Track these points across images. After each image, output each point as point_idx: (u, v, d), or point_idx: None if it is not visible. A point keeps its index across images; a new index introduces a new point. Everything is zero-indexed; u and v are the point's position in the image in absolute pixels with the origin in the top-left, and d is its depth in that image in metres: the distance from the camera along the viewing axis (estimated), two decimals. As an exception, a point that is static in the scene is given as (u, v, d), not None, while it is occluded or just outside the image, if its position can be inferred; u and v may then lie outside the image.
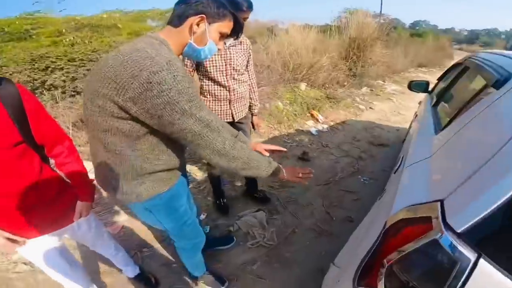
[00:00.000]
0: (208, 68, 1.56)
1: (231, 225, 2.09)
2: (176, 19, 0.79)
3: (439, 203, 0.65)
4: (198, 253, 1.37)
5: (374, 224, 0.95)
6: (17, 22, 4.59)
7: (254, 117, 2.01)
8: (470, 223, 0.56)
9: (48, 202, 0.93)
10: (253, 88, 1.88)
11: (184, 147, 0.94)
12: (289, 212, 2.24)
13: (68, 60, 3.63)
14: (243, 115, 1.83)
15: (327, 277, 1.25)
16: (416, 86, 2.60)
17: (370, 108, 5.05)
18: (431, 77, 6.89)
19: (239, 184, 2.56)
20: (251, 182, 2.31)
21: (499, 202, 0.54)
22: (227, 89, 1.63)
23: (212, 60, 1.54)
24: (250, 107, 1.93)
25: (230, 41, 1.55)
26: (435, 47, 13.05)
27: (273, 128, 3.79)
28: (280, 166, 0.97)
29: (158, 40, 0.76)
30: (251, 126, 2.05)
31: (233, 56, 1.58)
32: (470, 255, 0.56)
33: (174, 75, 0.67)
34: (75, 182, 1.01)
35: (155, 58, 0.67)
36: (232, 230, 2.04)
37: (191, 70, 1.60)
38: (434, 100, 1.96)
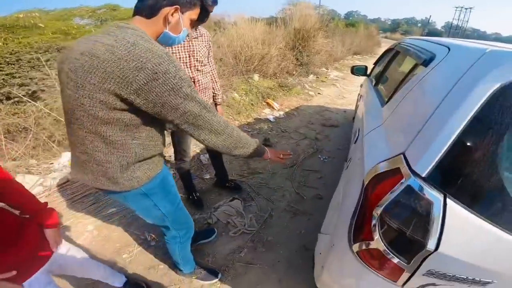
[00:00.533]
0: None
1: (209, 217, 2.10)
2: (148, 10, 0.82)
3: (402, 156, 0.81)
4: (189, 242, 1.41)
5: (350, 187, 1.09)
6: None
7: (218, 106, 2.05)
8: (430, 167, 0.71)
9: (12, 246, 0.82)
10: (214, 78, 1.91)
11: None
12: (262, 197, 2.34)
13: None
14: None
15: (318, 246, 1.35)
16: (358, 70, 3.00)
17: (318, 93, 5.48)
18: (366, 63, 7.69)
19: (207, 176, 2.59)
20: (221, 173, 2.35)
21: (445, 147, 0.70)
22: (192, 80, 1.66)
23: (176, 52, 1.55)
24: (213, 97, 1.96)
25: (193, 33, 1.58)
26: (366, 36, 14.45)
27: (233, 119, 3.86)
28: (264, 147, 1.08)
29: (139, 31, 0.78)
30: None
31: (196, 48, 1.60)
32: (438, 195, 0.70)
33: (174, 64, 0.73)
34: (29, 211, 0.91)
35: (153, 50, 0.70)
36: (211, 223, 2.06)
37: None
38: (374, 81, 2.28)
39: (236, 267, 1.74)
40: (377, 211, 0.80)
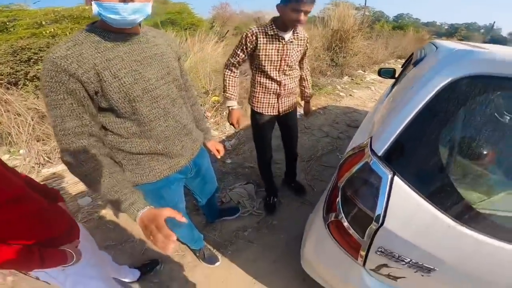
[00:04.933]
0: (263, 61, 1.57)
1: (223, 196, 2.33)
2: None
3: (369, 139, 0.96)
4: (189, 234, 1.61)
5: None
6: (-8, 15, 4.47)
7: (306, 104, 2.12)
8: (384, 148, 0.85)
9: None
10: (307, 77, 1.95)
11: None
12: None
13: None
14: (289, 111, 1.87)
15: (307, 225, 1.46)
16: (385, 72, 2.97)
17: (349, 95, 5.42)
18: (408, 67, 7.31)
19: (229, 161, 2.86)
20: (291, 173, 2.45)
21: (397, 132, 0.83)
22: (278, 83, 1.66)
23: (268, 55, 1.55)
24: (303, 94, 2.05)
25: (289, 36, 1.56)
26: (415, 39, 13.59)
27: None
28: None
29: None
30: (304, 113, 2.19)
31: (289, 53, 1.58)
32: (388, 172, 0.83)
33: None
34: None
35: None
36: (224, 201, 2.29)
37: (243, 58, 1.65)
38: (394, 82, 2.32)
39: (238, 243, 1.93)
40: (341, 185, 0.95)
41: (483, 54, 0.78)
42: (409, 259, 0.84)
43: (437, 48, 1.11)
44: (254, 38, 1.52)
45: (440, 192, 0.79)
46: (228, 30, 10.19)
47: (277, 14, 1.51)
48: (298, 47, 1.62)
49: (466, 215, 0.77)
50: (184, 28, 8.34)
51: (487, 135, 0.77)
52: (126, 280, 1.57)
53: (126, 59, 0.83)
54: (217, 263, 1.77)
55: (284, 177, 2.51)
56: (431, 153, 0.80)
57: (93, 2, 0.71)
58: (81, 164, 0.80)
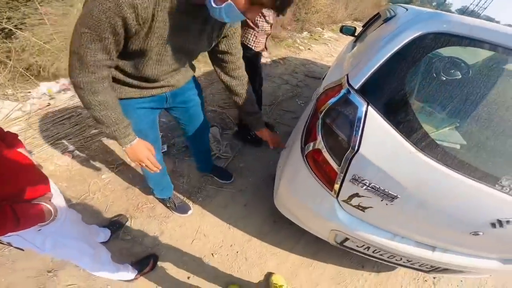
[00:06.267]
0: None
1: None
2: None
3: (346, 75, 1.11)
4: (157, 175, 1.53)
5: (309, 105, 1.37)
6: None
7: None
8: (360, 83, 1.00)
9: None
10: None
11: None
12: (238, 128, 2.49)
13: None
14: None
15: (279, 162, 1.51)
16: (346, 30, 3.18)
17: (308, 49, 5.63)
18: (361, 31, 7.71)
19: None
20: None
21: (372, 70, 1.00)
22: (270, 26, 1.92)
23: None
24: None
25: None
26: (373, 3, 14.02)
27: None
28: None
29: None
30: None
31: None
32: (363, 102, 0.96)
33: None
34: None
35: None
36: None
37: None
38: (355, 39, 2.56)
39: (208, 190, 1.92)
40: (320, 114, 1.07)
41: (447, 17, 0.96)
42: (378, 186, 0.96)
43: (407, 10, 1.32)
44: None
45: (404, 121, 0.94)
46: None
47: None
48: None
49: (423, 142, 0.92)
50: None
51: (438, 81, 1.00)
52: (98, 240, 1.39)
53: (176, 24, 0.85)
54: (190, 212, 1.75)
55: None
56: (399, 89, 0.98)
57: None
58: (97, 93, 0.85)
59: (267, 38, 2.00)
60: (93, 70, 0.81)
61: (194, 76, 1.31)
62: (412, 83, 0.99)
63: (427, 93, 1.01)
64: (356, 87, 1.02)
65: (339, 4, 9.37)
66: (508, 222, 0.93)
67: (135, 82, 1.01)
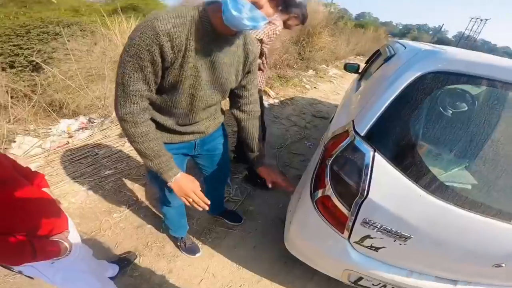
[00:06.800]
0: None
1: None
2: None
3: (352, 121, 1.08)
4: (175, 216, 1.56)
5: (318, 150, 1.34)
6: None
7: None
8: (366, 129, 0.98)
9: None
10: None
11: None
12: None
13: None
14: None
15: (290, 205, 1.51)
16: (350, 67, 3.20)
17: (314, 87, 5.71)
18: (366, 64, 7.87)
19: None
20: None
21: (376, 116, 0.97)
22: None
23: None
24: None
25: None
26: (373, 38, 14.59)
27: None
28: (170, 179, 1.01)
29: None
30: None
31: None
32: (370, 149, 0.95)
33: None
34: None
35: None
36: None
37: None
38: (359, 77, 2.53)
39: (218, 231, 1.93)
40: (328, 162, 1.06)
41: (441, 54, 0.95)
42: (389, 228, 0.95)
43: (405, 47, 1.27)
44: None
45: (412, 165, 0.93)
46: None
47: None
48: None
49: (432, 185, 0.91)
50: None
51: (444, 118, 0.94)
52: (107, 275, 1.43)
53: (208, 55, 0.87)
54: (198, 254, 1.72)
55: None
56: (404, 133, 0.95)
57: None
58: (138, 124, 0.88)
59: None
60: (135, 100, 0.85)
61: (223, 124, 1.33)
62: (416, 125, 0.96)
63: (433, 134, 0.97)
64: (362, 134, 1.00)
65: (341, 40, 9.77)
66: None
67: (168, 123, 1.02)
